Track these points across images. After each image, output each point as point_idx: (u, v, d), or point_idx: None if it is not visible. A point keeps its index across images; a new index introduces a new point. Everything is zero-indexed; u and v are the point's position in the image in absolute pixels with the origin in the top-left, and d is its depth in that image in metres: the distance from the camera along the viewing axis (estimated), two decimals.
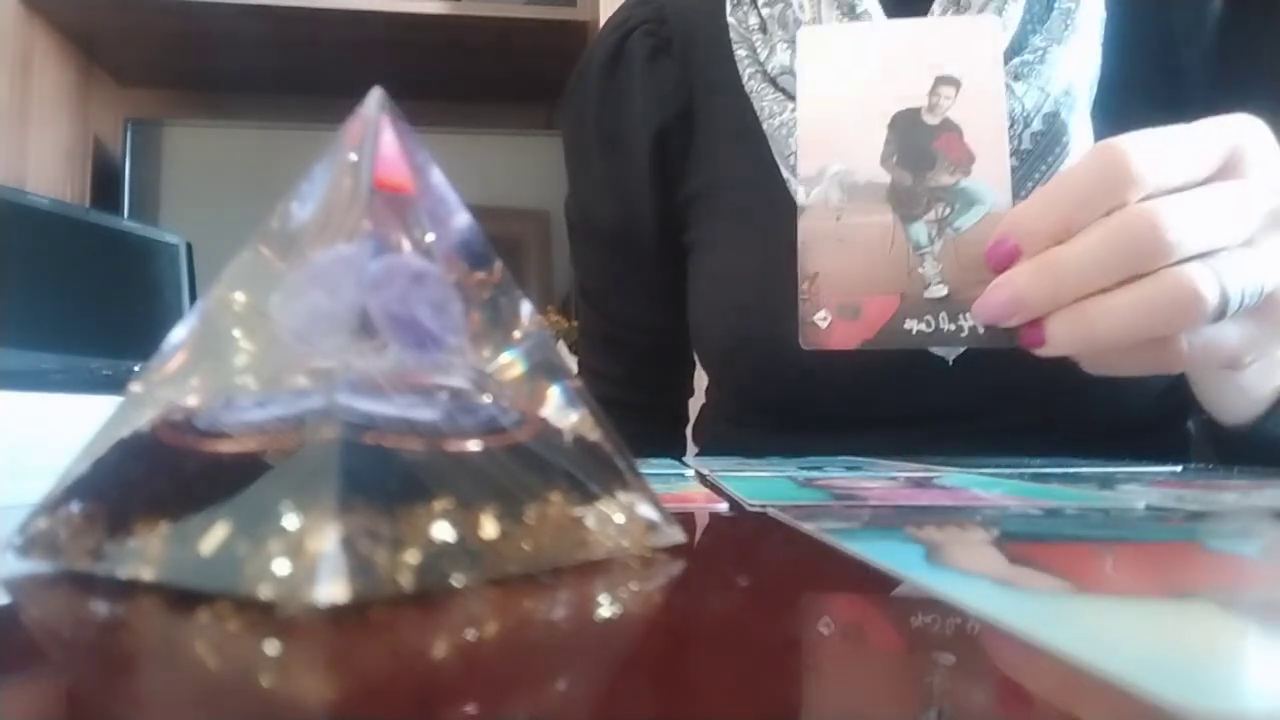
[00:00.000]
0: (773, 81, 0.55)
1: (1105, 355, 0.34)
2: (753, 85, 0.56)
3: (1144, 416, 0.57)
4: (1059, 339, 0.34)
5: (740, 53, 0.57)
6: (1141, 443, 0.56)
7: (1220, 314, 0.32)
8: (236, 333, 0.19)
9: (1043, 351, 0.35)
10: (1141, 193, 0.32)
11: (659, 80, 0.62)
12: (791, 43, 0.53)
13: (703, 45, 0.61)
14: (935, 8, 0.52)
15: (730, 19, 0.59)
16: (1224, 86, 0.51)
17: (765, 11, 0.56)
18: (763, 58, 0.56)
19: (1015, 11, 0.50)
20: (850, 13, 0.52)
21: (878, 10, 0.53)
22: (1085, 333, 0.33)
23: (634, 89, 0.63)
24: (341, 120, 0.20)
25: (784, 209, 0.54)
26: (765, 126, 0.56)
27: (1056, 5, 0.50)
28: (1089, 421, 0.55)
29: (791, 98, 0.54)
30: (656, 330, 0.69)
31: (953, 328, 0.38)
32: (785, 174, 0.56)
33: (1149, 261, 0.31)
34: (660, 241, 0.65)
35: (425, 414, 0.18)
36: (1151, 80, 0.51)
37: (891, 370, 0.53)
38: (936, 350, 0.50)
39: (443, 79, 1.74)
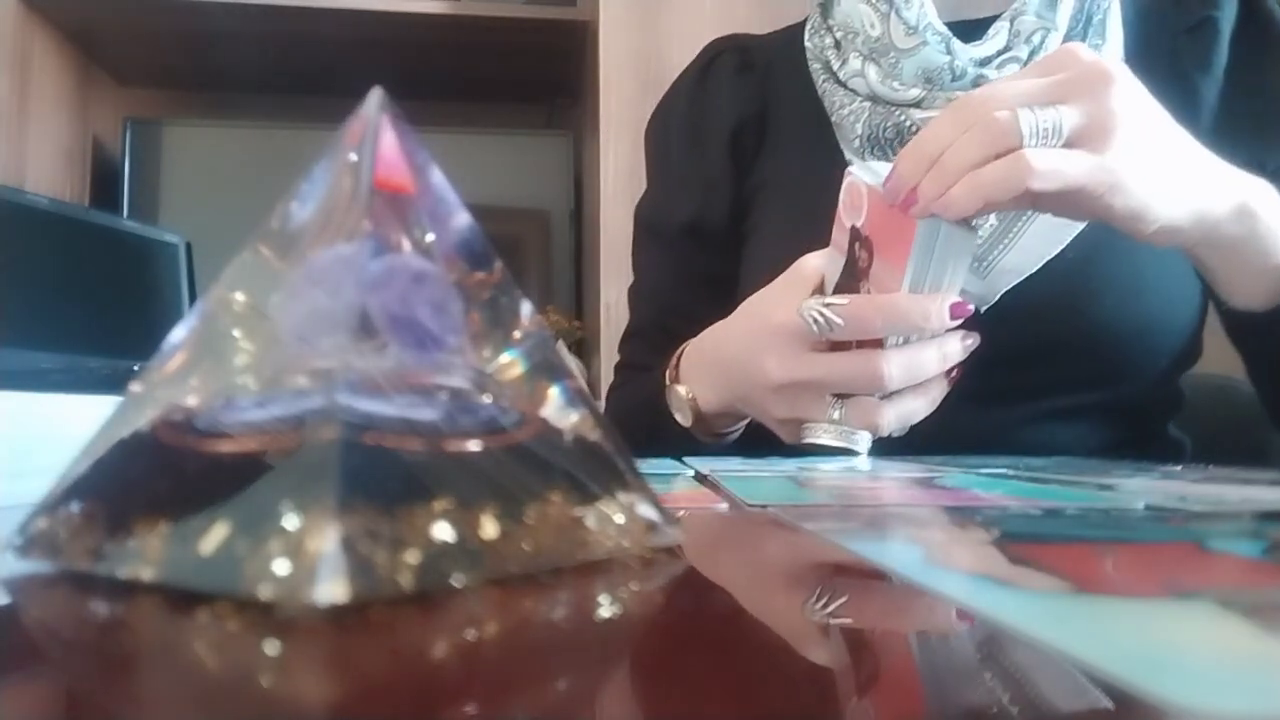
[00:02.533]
0: (843, 84, 0.66)
1: (968, 187, 0.42)
2: (825, 88, 0.67)
3: (1144, 387, 0.64)
4: (926, 191, 0.43)
5: (815, 66, 0.69)
6: (1140, 426, 0.65)
7: (1020, 134, 0.41)
8: (236, 333, 0.19)
9: (915, 211, 0.44)
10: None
11: (741, 87, 0.73)
12: (862, 55, 0.64)
13: (780, 65, 0.73)
14: (991, 30, 0.61)
15: (808, 44, 0.70)
16: (1234, 113, 0.61)
17: (839, 35, 0.67)
18: (835, 67, 0.67)
19: (1054, 42, 0.60)
20: (914, 32, 0.61)
21: (941, 27, 0.61)
22: (938, 175, 0.42)
23: (719, 94, 0.74)
24: (341, 120, 0.20)
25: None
26: (834, 117, 0.66)
27: (1088, 41, 0.61)
28: (1102, 386, 0.62)
29: (858, 94, 0.65)
30: (709, 324, 0.74)
31: None
32: (848, 155, 0.65)
33: (973, 116, 0.42)
34: (728, 229, 0.72)
35: (425, 414, 0.18)
36: (1164, 103, 0.60)
37: None
38: (969, 300, 0.58)
39: (443, 79, 1.74)
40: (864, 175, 0.48)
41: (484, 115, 1.86)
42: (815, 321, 0.46)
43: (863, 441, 0.48)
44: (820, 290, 0.50)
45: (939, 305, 0.45)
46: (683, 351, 0.60)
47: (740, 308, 0.55)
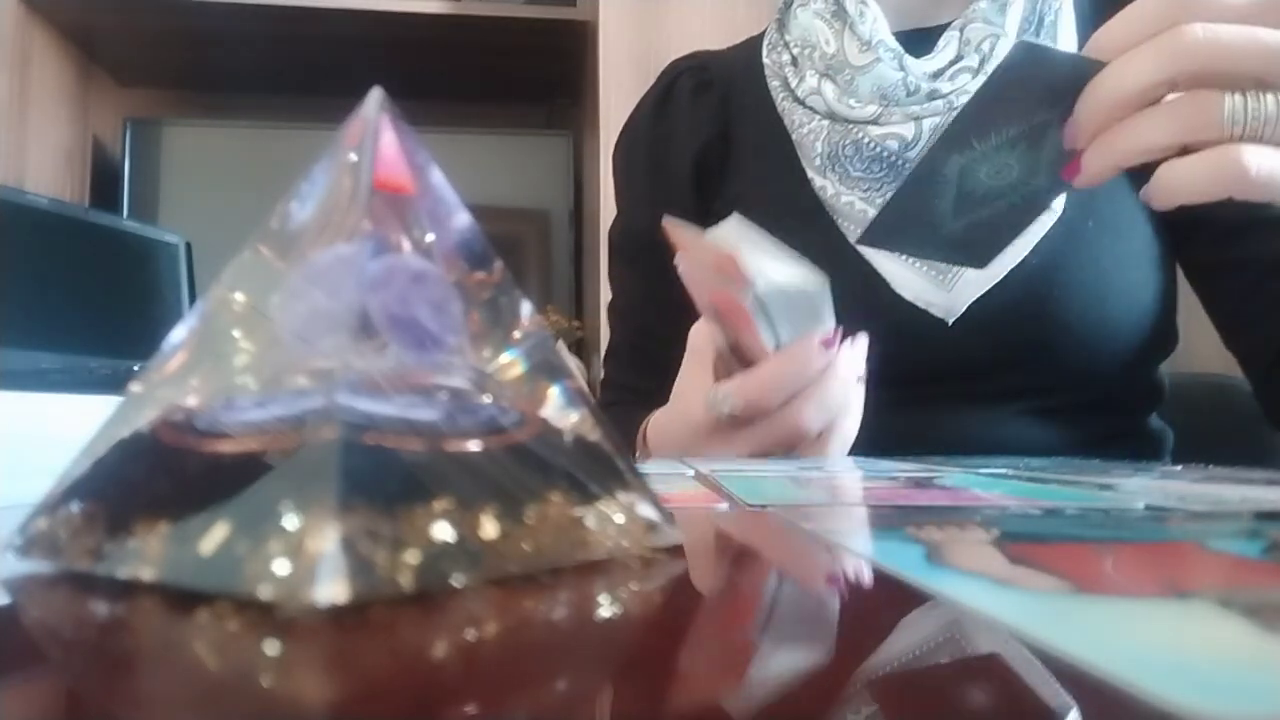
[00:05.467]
0: (801, 102, 0.67)
1: (1164, 183, 0.36)
2: (784, 106, 0.68)
3: (1117, 384, 0.64)
4: (1090, 164, 0.37)
5: (774, 84, 0.70)
6: (1118, 420, 0.66)
7: (1243, 123, 0.34)
8: (236, 333, 0.19)
9: (1079, 181, 0.38)
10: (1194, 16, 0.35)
11: (702, 109, 0.74)
12: (819, 72, 0.66)
13: (739, 83, 0.73)
14: (941, 41, 0.62)
15: (766, 60, 0.71)
16: None
17: (795, 51, 0.68)
18: (793, 84, 0.68)
19: (1004, 48, 0.61)
20: (867, 48, 0.62)
21: (892, 43, 0.62)
22: (1108, 150, 0.36)
23: (680, 117, 0.74)
24: (341, 120, 0.20)
25: (808, 206, 0.65)
26: (795, 136, 0.67)
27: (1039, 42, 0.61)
28: (1074, 387, 0.63)
29: (817, 112, 0.65)
30: (683, 343, 0.75)
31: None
32: (810, 174, 0.66)
33: (1178, 71, 0.34)
34: None
35: (425, 414, 0.18)
36: None
37: (894, 332, 0.59)
38: (936, 312, 0.60)
39: (443, 79, 1.74)
40: (682, 235, 0.48)
41: (484, 115, 1.86)
42: (721, 412, 0.48)
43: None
44: (717, 356, 0.52)
45: (808, 351, 0.46)
46: (645, 431, 0.62)
47: (672, 396, 0.56)
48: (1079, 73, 0.37)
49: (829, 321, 0.48)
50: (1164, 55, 0.34)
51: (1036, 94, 0.37)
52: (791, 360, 0.46)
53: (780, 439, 0.48)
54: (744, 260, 0.44)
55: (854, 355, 0.49)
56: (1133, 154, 0.36)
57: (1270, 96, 0.34)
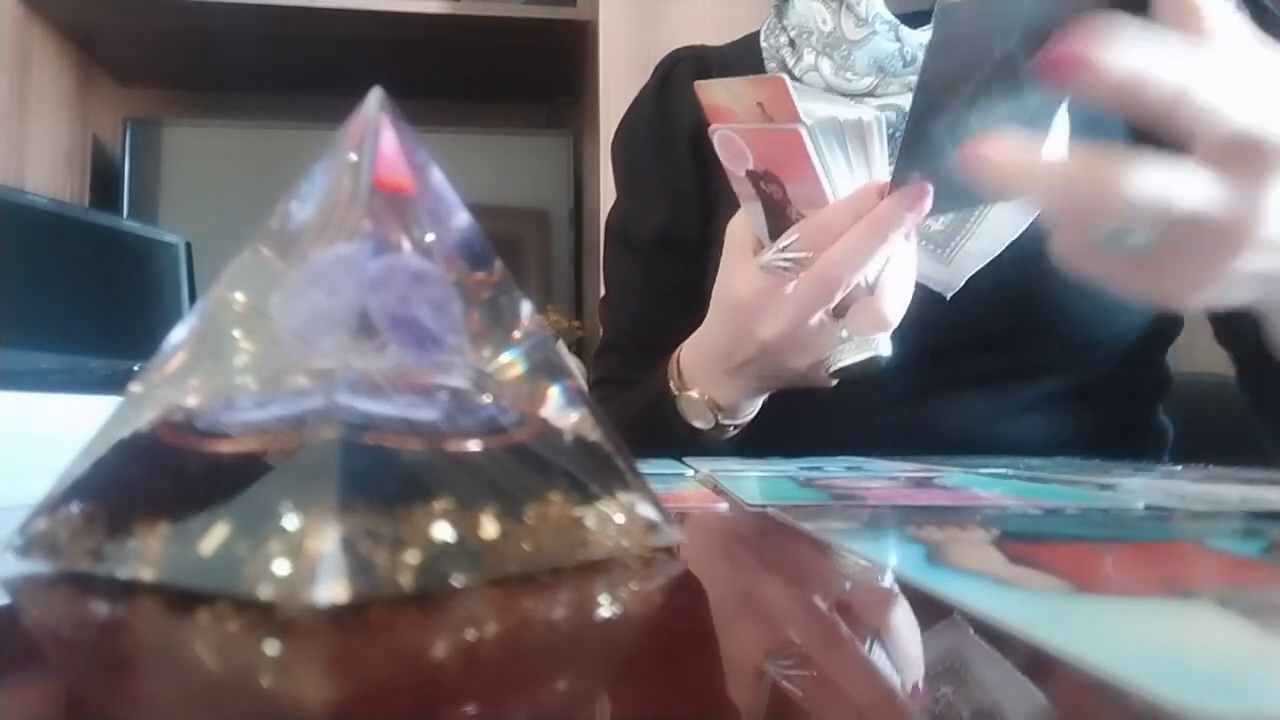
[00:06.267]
0: (798, 80, 0.66)
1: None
2: None
3: (1119, 367, 0.64)
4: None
5: (771, 65, 0.70)
6: (1122, 412, 0.65)
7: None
8: (236, 333, 0.19)
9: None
10: None
11: None
12: (816, 50, 0.66)
13: (738, 69, 0.72)
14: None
15: (764, 44, 0.72)
16: None
17: (793, 33, 0.69)
18: (790, 64, 0.68)
19: None
20: (864, 23, 0.63)
21: (889, 16, 0.62)
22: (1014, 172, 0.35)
23: (679, 101, 0.74)
24: (341, 120, 0.20)
25: None
26: None
27: None
28: (1075, 366, 0.62)
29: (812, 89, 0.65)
30: (686, 334, 0.74)
31: None
32: None
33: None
34: (699, 237, 0.72)
35: (425, 414, 0.18)
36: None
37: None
38: (934, 286, 0.58)
39: (443, 79, 1.74)
40: (717, 92, 0.46)
41: (484, 115, 1.86)
42: (784, 269, 0.47)
43: (882, 343, 0.49)
44: (759, 244, 0.50)
45: (869, 194, 0.44)
46: (678, 359, 0.60)
47: (711, 303, 0.56)
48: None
49: (882, 158, 0.46)
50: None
51: (987, 36, 0.38)
52: (852, 204, 0.44)
53: (820, 287, 0.46)
54: (794, 93, 0.43)
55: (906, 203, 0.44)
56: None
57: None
